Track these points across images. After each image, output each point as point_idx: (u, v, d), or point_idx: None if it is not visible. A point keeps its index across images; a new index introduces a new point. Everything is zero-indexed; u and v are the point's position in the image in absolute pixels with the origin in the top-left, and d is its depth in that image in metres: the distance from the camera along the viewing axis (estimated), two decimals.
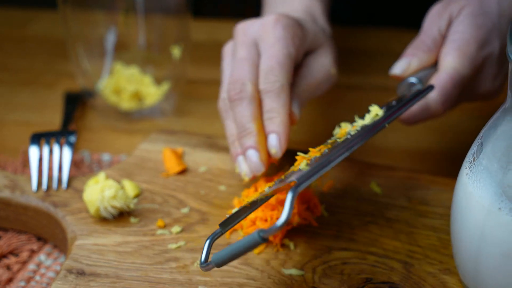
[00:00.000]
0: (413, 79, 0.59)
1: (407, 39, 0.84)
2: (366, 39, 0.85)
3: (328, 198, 0.58)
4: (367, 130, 0.52)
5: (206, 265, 0.48)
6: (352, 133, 0.53)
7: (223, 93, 0.58)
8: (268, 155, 0.55)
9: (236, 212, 0.51)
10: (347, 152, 0.50)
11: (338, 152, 0.50)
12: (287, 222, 0.44)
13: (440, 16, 0.59)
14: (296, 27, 0.57)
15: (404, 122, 0.59)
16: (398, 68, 0.59)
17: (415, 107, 0.58)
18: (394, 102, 0.57)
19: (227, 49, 0.60)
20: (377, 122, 0.53)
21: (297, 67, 0.59)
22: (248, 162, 0.54)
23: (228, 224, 0.51)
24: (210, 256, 0.48)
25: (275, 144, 0.54)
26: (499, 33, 0.58)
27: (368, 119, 0.54)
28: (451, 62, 0.57)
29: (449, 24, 0.59)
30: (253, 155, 0.54)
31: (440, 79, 0.57)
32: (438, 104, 0.57)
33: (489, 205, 0.46)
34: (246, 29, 0.58)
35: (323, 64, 0.59)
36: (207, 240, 0.49)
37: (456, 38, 0.58)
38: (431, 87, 0.56)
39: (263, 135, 0.55)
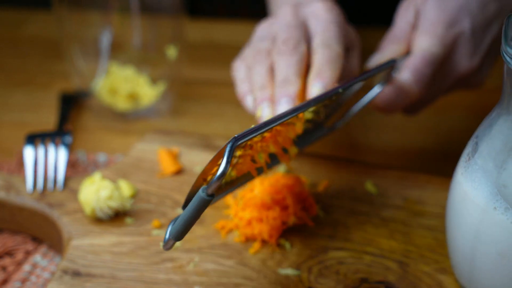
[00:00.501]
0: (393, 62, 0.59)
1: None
2: (362, 39, 0.85)
3: (324, 198, 0.58)
4: (323, 94, 0.51)
5: (165, 243, 0.46)
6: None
7: (258, 43, 0.56)
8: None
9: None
10: (312, 104, 0.49)
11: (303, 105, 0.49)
12: (224, 174, 0.43)
13: (406, 9, 0.61)
14: (343, 18, 0.58)
15: (381, 109, 0.58)
16: (373, 62, 0.59)
17: (390, 92, 0.58)
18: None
19: (262, 27, 0.59)
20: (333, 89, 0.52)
21: None
22: (280, 108, 0.53)
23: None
24: None
25: (319, 87, 0.53)
26: (468, 13, 0.59)
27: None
28: (421, 43, 0.58)
29: (417, 14, 0.60)
30: (289, 103, 0.53)
31: (411, 60, 0.58)
32: (412, 84, 0.57)
33: (484, 205, 0.46)
34: (292, 11, 0.57)
35: (353, 65, 0.59)
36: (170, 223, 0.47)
37: (423, 22, 0.59)
38: (392, 61, 0.57)
39: (303, 96, 0.54)
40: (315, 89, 0.53)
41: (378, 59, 0.60)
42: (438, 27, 0.59)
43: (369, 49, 0.83)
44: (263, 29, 0.59)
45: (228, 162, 0.43)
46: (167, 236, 0.46)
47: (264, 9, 0.93)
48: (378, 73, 0.55)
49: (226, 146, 0.44)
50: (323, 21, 0.57)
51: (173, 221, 0.47)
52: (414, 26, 0.60)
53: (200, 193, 0.44)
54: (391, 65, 0.57)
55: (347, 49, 0.59)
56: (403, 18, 0.61)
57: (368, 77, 0.54)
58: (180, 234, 0.45)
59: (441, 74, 0.60)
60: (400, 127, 0.72)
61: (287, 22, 0.57)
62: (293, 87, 0.53)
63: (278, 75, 0.54)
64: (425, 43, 0.58)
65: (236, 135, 0.45)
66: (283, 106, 0.53)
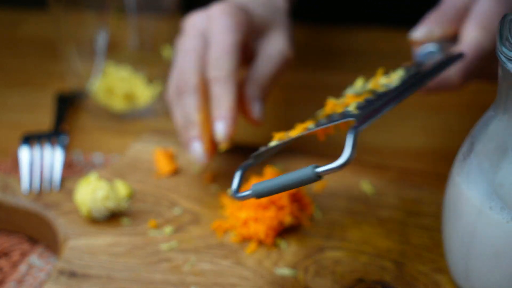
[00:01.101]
0: (432, 47, 0.58)
1: (395, 39, 0.85)
2: (358, 39, 0.85)
3: (320, 198, 0.58)
4: (410, 82, 0.49)
5: (241, 194, 0.45)
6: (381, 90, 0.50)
7: (172, 85, 0.58)
8: (214, 145, 0.56)
9: (273, 147, 0.49)
10: (401, 97, 0.47)
11: (389, 96, 0.47)
12: (348, 162, 0.41)
13: None
14: (242, 14, 0.58)
15: (423, 90, 0.57)
16: (419, 33, 0.57)
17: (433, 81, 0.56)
18: (413, 68, 0.55)
19: (179, 42, 0.60)
20: (414, 79, 0.49)
21: (250, 55, 0.59)
22: (192, 153, 0.55)
23: (261, 156, 0.49)
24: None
25: (221, 129, 0.54)
26: None
27: (393, 78, 0.52)
28: (475, 35, 0.56)
29: None
30: (196, 146, 0.55)
31: (463, 51, 0.56)
32: (459, 75, 0.56)
33: (480, 204, 0.46)
34: (193, 21, 0.59)
35: (275, 46, 0.59)
36: (239, 169, 0.48)
37: (480, 11, 0.57)
38: (461, 55, 0.55)
39: (208, 126, 0.56)
40: (219, 130, 0.54)
41: (426, 31, 0.57)
42: (494, 22, 0.56)
43: (357, 49, 0.84)
44: (178, 44, 0.60)
45: (353, 152, 0.40)
46: (248, 193, 0.44)
47: None
48: (447, 68, 0.53)
49: (349, 131, 0.41)
50: (215, 31, 0.57)
51: (242, 166, 0.47)
52: (466, 8, 0.57)
53: (310, 170, 0.41)
54: (459, 59, 0.54)
55: (262, 35, 0.59)
56: None
57: (439, 73, 0.51)
58: (264, 194, 0.43)
59: (482, 67, 0.58)
60: (396, 127, 0.72)
61: (187, 35, 0.58)
62: (195, 128, 0.55)
63: (184, 118, 0.56)
64: (479, 35, 0.56)
65: (356, 121, 0.43)
66: (195, 149, 0.55)
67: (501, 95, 0.46)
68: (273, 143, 0.49)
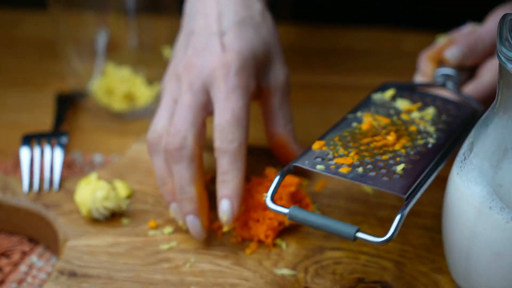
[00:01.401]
0: (451, 71, 0.59)
1: (399, 38, 0.85)
2: (359, 39, 0.85)
3: (320, 198, 0.58)
4: (445, 139, 0.51)
5: (277, 208, 0.46)
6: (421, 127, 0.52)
7: (155, 133, 0.53)
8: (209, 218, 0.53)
9: (315, 169, 0.48)
10: (441, 162, 0.49)
11: (431, 156, 0.49)
12: (390, 240, 0.44)
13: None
14: (250, 66, 0.53)
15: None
16: (453, 56, 0.57)
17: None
18: (431, 96, 0.56)
19: (168, 82, 0.54)
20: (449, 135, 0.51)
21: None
22: (189, 227, 0.52)
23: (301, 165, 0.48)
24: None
25: (227, 210, 0.51)
26: None
27: (427, 118, 0.53)
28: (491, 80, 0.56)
29: None
30: (193, 222, 0.51)
31: (477, 91, 0.56)
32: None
33: (480, 204, 0.46)
34: (193, 67, 0.52)
35: (280, 78, 0.55)
36: (278, 175, 0.48)
37: None
38: (480, 111, 0.55)
39: (204, 198, 0.53)
40: (224, 210, 0.51)
41: (459, 54, 0.57)
42: None
43: (363, 50, 0.84)
44: (168, 84, 0.54)
45: (395, 232, 0.45)
46: (284, 211, 0.47)
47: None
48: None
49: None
50: (221, 90, 0.52)
51: (281, 172, 0.48)
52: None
53: (351, 232, 0.44)
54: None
55: (265, 69, 0.54)
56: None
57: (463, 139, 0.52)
58: (297, 221, 0.46)
59: None
60: None
61: (186, 84, 0.52)
62: (192, 203, 0.51)
63: (176, 185, 0.52)
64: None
65: (405, 201, 0.46)
66: (191, 225, 0.52)
67: (501, 95, 0.46)
68: (318, 167, 0.48)
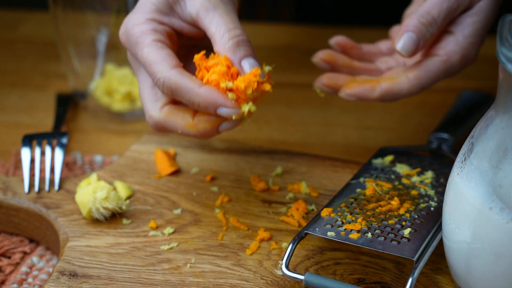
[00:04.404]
0: (445, 135, 0.61)
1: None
2: (360, 40, 0.85)
3: (320, 199, 0.58)
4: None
5: (292, 275, 0.49)
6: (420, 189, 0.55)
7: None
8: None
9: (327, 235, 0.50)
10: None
11: (434, 220, 0.52)
12: None
13: None
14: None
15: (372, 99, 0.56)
16: (405, 49, 0.55)
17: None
18: (428, 160, 0.59)
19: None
20: None
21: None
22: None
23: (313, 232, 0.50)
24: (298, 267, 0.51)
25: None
26: None
27: (426, 181, 0.56)
28: (455, 63, 0.55)
29: (469, 6, 0.55)
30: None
31: (428, 70, 0.55)
32: (415, 88, 0.55)
33: (480, 205, 0.46)
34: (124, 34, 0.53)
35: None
36: (291, 242, 0.50)
37: (470, 33, 0.55)
38: None
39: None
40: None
41: (412, 45, 0.55)
42: (476, 50, 0.56)
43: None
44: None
45: None
46: (300, 277, 0.49)
47: (260, 11, 0.93)
48: None
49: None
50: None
51: (294, 240, 0.50)
52: (456, 15, 0.55)
53: None
54: None
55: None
56: None
57: None
58: (313, 286, 0.49)
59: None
60: (397, 127, 0.72)
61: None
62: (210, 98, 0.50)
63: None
64: (458, 65, 0.56)
65: (414, 264, 0.48)
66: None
67: (501, 96, 0.46)
68: (329, 234, 0.50)
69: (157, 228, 0.55)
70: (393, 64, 0.60)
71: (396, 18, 0.86)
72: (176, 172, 0.60)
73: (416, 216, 0.52)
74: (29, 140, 0.61)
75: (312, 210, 0.57)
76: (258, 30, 0.86)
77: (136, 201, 0.57)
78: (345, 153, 0.68)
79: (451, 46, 0.56)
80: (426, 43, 0.56)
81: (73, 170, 0.64)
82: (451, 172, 0.50)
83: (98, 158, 0.66)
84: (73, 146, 0.67)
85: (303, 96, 0.76)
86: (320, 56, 0.59)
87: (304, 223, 0.55)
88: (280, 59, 0.81)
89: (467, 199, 0.47)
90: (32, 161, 0.60)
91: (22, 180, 0.58)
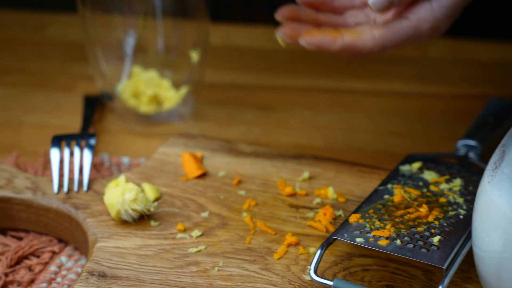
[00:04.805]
0: (473, 142, 0.61)
1: (425, 44, 0.85)
2: None
3: (347, 204, 0.58)
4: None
5: (321, 280, 0.49)
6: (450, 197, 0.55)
7: None
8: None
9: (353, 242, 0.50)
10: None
11: (463, 228, 0.52)
12: None
13: None
14: None
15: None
16: (376, 4, 0.54)
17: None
18: (456, 167, 0.58)
19: None
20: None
21: None
22: None
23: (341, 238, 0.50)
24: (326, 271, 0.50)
25: None
26: None
27: (455, 189, 0.56)
28: (424, 31, 0.54)
29: None
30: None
31: (396, 32, 0.54)
32: (377, 47, 0.54)
33: (511, 213, 0.46)
34: None
35: None
36: (319, 248, 0.50)
37: (447, 4, 0.54)
38: None
39: None
40: None
41: (385, 2, 0.54)
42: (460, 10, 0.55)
43: (386, 55, 0.83)
44: None
45: None
46: (328, 283, 0.49)
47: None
48: None
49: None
50: None
51: (322, 246, 0.50)
52: None
53: None
54: None
55: None
56: None
57: None
58: None
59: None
60: (423, 134, 0.71)
61: None
62: None
63: None
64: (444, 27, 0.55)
65: (444, 272, 0.48)
66: None
67: None
68: (358, 240, 0.50)
69: (184, 230, 0.55)
70: (363, 19, 0.58)
71: None
72: (203, 175, 0.60)
73: (445, 224, 0.52)
74: (58, 141, 0.61)
75: (340, 215, 0.57)
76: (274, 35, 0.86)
77: (163, 203, 0.57)
78: (371, 159, 0.67)
79: (424, 13, 0.54)
80: (401, 3, 0.54)
81: (100, 171, 0.64)
82: (481, 180, 0.50)
83: (125, 159, 0.66)
84: (100, 148, 0.68)
85: (328, 100, 0.76)
86: (283, 14, 0.56)
87: (331, 229, 0.55)
88: (303, 64, 0.82)
89: (498, 208, 0.47)
90: (61, 161, 0.60)
91: (51, 181, 0.58)
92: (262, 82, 0.79)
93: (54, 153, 0.60)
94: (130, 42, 0.71)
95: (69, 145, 0.61)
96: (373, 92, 0.78)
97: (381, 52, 0.55)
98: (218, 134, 0.70)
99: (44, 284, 0.54)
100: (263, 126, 0.72)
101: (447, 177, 0.57)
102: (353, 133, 0.72)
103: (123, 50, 0.71)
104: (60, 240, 0.58)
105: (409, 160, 0.59)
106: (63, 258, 0.56)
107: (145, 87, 0.71)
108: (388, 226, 0.51)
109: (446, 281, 0.47)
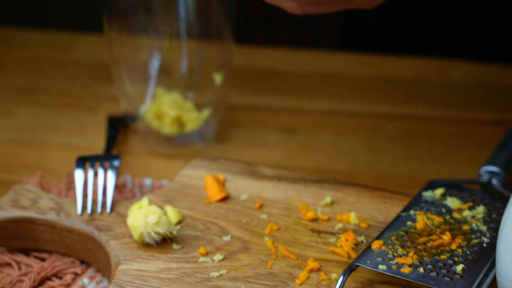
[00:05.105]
0: (495, 168, 0.60)
1: (447, 68, 0.84)
2: (406, 68, 0.85)
3: (369, 230, 0.57)
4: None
5: None
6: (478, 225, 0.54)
7: None
8: None
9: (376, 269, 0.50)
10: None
11: (486, 256, 0.52)
12: None
13: None
14: None
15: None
16: None
17: None
18: (479, 194, 0.58)
19: None
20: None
21: None
22: None
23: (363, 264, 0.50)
24: None
25: None
26: None
27: (478, 216, 0.55)
28: None
29: None
30: None
31: None
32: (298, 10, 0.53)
33: None
34: None
35: None
36: (341, 274, 0.50)
37: None
38: None
39: None
40: None
41: None
42: None
43: (411, 79, 0.83)
44: None
45: None
46: None
47: (301, 35, 0.93)
48: None
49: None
50: None
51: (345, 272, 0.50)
52: None
53: None
54: None
55: None
56: None
57: None
58: None
59: None
60: (445, 159, 0.71)
61: None
62: None
63: None
64: None
65: None
66: None
67: None
68: (381, 267, 0.50)
69: (207, 254, 0.55)
70: None
71: (444, 47, 0.86)
72: (225, 198, 0.60)
73: (469, 252, 0.51)
74: (82, 162, 0.62)
75: (362, 241, 0.56)
76: (299, 57, 0.86)
77: (186, 226, 0.58)
78: (393, 184, 0.67)
79: None
80: None
81: (123, 192, 0.65)
82: (506, 208, 0.49)
83: (147, 181, 0.67)
84: (123, 169, 0.68)
85: (351, 124, 0.76)
86: None
87: (353, 255, 0.55)
88: (324, 87, 0.82)
89: None
90: (85, 183, 0.61)
91: (75, 202, 0.59)
92: (284, 104, 0.79)
93: (79, 174, 0.61)
94: (154, 64, 0.71)
95: (93, 166, 0.62)
96: (396, 116, 0.77)
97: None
98: (240, 156, 0.70)
99: None
100: (285, 148, 0.72)
101: (470, 204, 0.56)
102: (375, 157, 0.72)
103: (148, 72, 0.71)
104: (82, 262, 0.58)
105: (432, 186, 0.59)
106: (85, 279, 0.56)
107: (168, 108, 0.71)
108: (411, 254, 0.51)
109: None
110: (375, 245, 0.52)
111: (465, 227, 0.54)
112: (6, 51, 0.87)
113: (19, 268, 0.57)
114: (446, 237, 0.52)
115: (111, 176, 0.61)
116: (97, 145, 0.71)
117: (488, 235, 0.53)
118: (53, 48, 0.87)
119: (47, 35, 0.90)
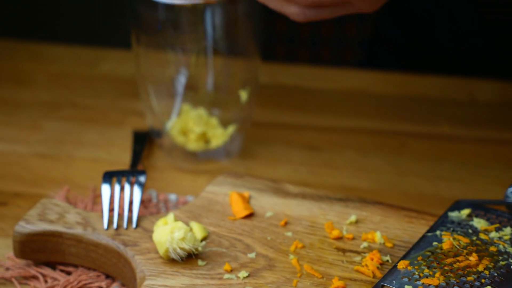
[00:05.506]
0: None
1: (473, 87, 0.84)
2: (431, 87, 0.85)
3: (395, 250, 0.57)
4: None
5: None
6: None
7: None
8: None
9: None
10: None
11: None
12: None
13: None
14: None
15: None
16: None
17: None
18: (506, 215, 0.58)
19: None
20: None
21: None
22: None
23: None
24: None
25: None
26: None
27: (505, 238, 0.55)
28: None
29: None
30: None
31: None
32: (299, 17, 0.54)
33: None
34: None
35: None
36: None
37: None
38: None
39: None
40: None
41: None
42: None
43: (437, 98, 0.83)
44: None
45: None
46: None
47: (322, 52, 0.93)
48: None
49: None
50: None
51: None
52: None
53: None
54: None
55: None
56: None
57: None
58: None
59: None
60: (471, 179, 0.71)
61: None
62: None
63: None
64: None
65: None
66: None
67: None
68: (407, 287, 0.50)
69: (231, 271, 0.55)
70: None
71: (469, 66, 0.86)
72: (251, 215, 0.61)
73: (496, 274, 0.51)
74: (109, 177, 0.62)
75: (387, 261, 0.56)
76: (324, 74, 0.87)
77: (211, 243, 0.58)
78: (418, 203, 0.67)
79: None
80: None
81: (148, 207, 0.65)
82: None
83: (172, 196, 0.67)
84: (148, 184, 0.69)
85: (376, 142, 0.76)
86: None
87: (378, 274, 0.55)
88: (349, 104, 0.82)
89: None
90: (111, 197, 0.61)
91: (101, 216, 0.59)
92: (309, 122, 0.79)
93: (105, 190, 0.61)
94: (181, 80, 0.72)
95: (119, 182, 0.62)
96: (421, 135, 0.77)
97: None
98: (264, 172, 0.71)
99: None
100: (310, 166, 0.72)
101: (497, 225, 0.56)
102: (400, 176, 0.71)
103: (174, 88, 0.72)
104: (107, 276, 0.58)
105: (458, 206, 0.59)
106: None
107: (193, 124, 0.71)
108: (437, 274, 0.50)
109: None
110: (401, 265, 0.51)
111: (492, 249, 0.53)
112: (35, 66, 0.88)
113: (45, 281, 0.57)
114: (473, 258, 0.52)
115: (137, 192, 0.61)
116: (123, 159, 0.72)
117: None
118: (81, 63, 0.88)
119: (75, 51, 0.91)
